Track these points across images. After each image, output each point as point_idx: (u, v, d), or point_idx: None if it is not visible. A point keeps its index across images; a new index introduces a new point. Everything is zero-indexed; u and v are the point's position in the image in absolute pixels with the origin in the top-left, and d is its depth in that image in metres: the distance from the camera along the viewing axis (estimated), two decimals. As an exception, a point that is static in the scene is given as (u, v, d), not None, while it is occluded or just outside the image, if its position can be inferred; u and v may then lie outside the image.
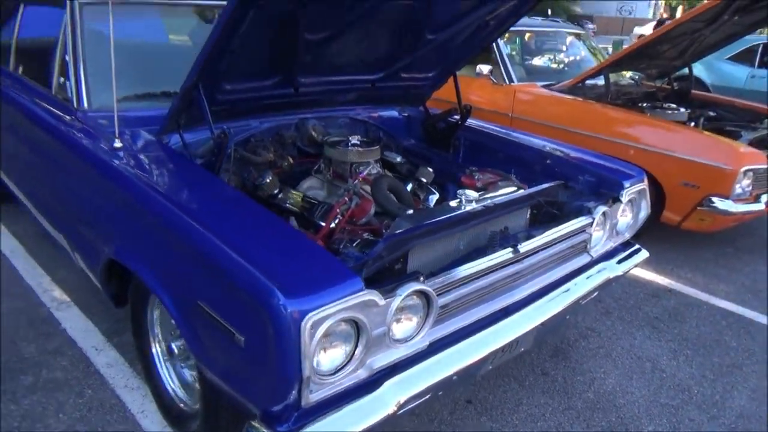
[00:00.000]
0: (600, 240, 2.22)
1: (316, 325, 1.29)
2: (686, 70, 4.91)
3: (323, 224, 2.01)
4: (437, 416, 2.21)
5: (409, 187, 2.39)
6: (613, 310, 3.08)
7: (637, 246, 2.49)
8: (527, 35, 5.18)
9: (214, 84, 1.93)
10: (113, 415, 2.13)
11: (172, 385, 2.07)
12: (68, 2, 2.46)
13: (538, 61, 5.27)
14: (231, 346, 1.42)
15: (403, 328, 1.54)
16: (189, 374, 2.03)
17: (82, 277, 2.99)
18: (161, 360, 2.10)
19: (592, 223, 2.12)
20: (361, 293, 1.36)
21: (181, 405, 2.02)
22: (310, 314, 1.28)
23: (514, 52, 4.96)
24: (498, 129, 2.92)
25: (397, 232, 1.64)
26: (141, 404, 2.17)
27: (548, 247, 1.96)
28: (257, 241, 1.52)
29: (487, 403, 2.30)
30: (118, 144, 1.99)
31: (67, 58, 2.40)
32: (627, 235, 2.41)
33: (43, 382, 2.26)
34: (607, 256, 2.34)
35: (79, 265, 2.37)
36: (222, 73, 1.89)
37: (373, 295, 1.39)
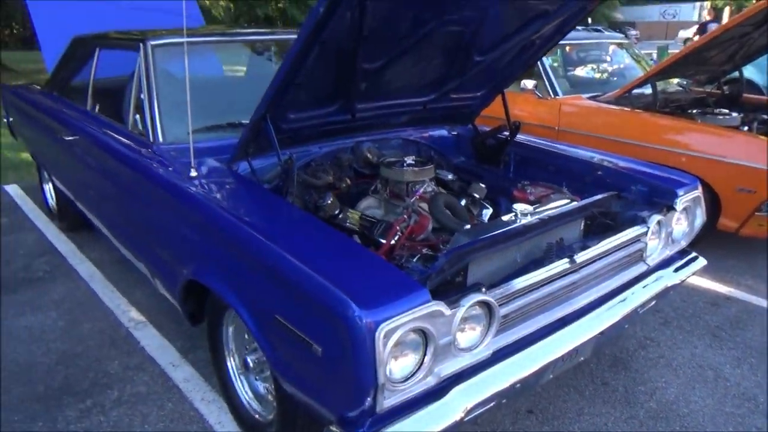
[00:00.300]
0: (656, 249, 2.25)
1: (388, 335, 1.39)
2: (736, 74, 4.84)
3: (383, 241, 2.12)
4: (499, 426, 2.26)
5: (463, 202, 2.47)
6: (672, 319, 3.06)
7: (694, 254, 2.50)
8: (568, 47, 5.21)
9: (280, 114, 2.08)
10: (193, 426, 2.28)
11: (247, 397, 2.21)
12: (141, 45, 2.69)
13: (580, 72, 5.29)
14: (308, 356, 1.53)
15: (467, 337, 1.62)
16: (262, 386, 2.16)
17: (156, 299, 3.20)
18: (236, 373, 2.24)
19: (647, 232, 2.15)
20: (428, 304, 1.46)
21: (256, 416, 2.15)
22: (383, 324, 1.38)
23: (555, 64, 4.99)
24: (547, 143, 2.98)
25: (458, 245, 1.73)
26: (218, 416, 2.31)
27: (604, 256, 2.01)
28: (329, 258, 1.64)
29: (548, 413, 2.34)
30: (193, 173, 2.16)
31: (142, 96, 2.62)
32: (683, 243, 2.42)
33: (128, 396, 2.44)
34: (664, 264, 2.36)
35: (158, 289, 2.55)
36: (287, 104, 2.04)
37: (439, 306, 1.48)
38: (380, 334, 1.37)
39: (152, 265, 2.51)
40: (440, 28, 2.05)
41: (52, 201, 4.37)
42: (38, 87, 4.48)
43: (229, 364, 2.25)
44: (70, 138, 3.25)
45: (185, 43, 2.15)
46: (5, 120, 5.18)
